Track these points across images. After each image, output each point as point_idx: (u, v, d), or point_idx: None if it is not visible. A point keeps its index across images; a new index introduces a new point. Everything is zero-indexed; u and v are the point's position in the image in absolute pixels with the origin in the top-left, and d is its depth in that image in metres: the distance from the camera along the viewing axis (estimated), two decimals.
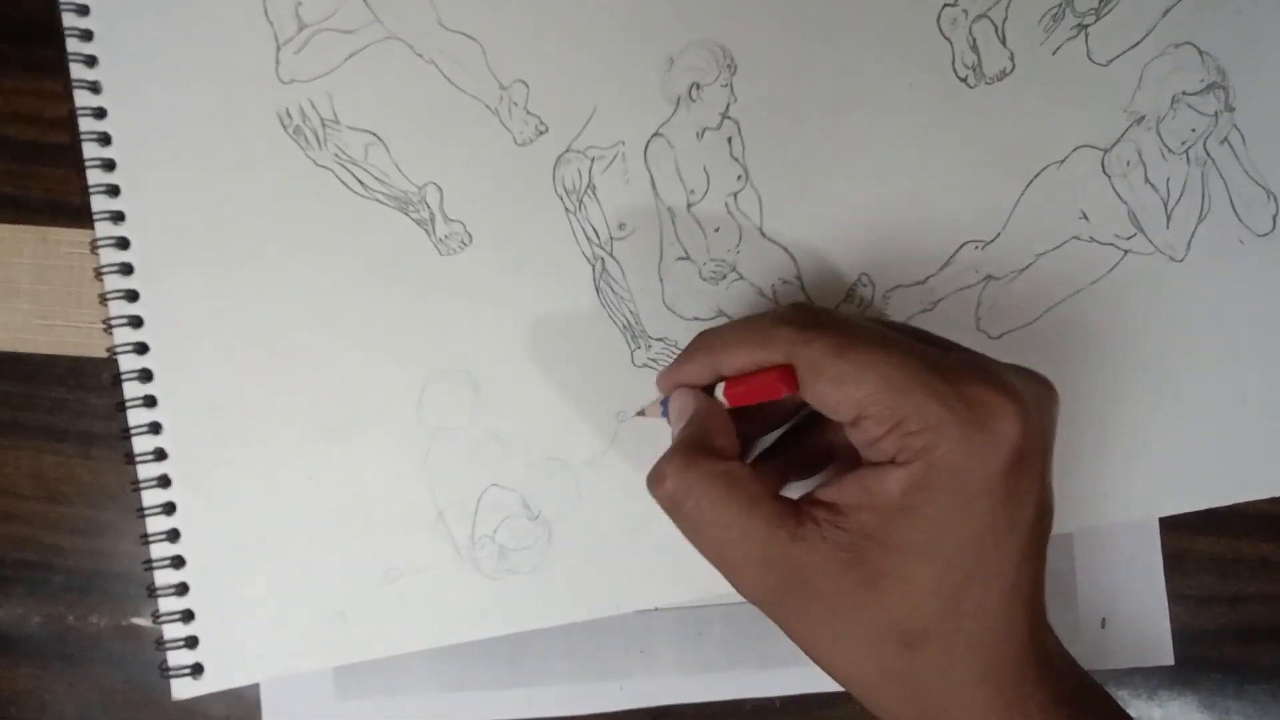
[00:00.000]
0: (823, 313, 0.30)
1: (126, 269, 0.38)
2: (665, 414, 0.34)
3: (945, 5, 0.39)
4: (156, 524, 0.38)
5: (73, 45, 0.38)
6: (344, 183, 0.38)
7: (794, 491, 0.32)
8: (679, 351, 0.35)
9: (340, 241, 0.38)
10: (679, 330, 0.39)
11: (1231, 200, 0.40)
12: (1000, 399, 0.28)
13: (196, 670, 0.38)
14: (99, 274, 0.38)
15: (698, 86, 0.39)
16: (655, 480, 0.30)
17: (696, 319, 0.39)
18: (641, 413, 0.37)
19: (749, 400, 0.31)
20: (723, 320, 0.39)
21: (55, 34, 0.38)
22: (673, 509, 0.30)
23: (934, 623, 0.28)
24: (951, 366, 0.29)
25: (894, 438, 0.28)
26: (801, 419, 0.35)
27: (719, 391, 0.31)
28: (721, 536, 0.29)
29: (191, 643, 0.38)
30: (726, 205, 0.39)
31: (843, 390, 0.28)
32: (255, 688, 0.39)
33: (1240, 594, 0.40)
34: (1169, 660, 0.40)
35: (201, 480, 0.38)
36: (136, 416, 0.38)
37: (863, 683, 0.30)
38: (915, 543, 0.28)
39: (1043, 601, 0.30)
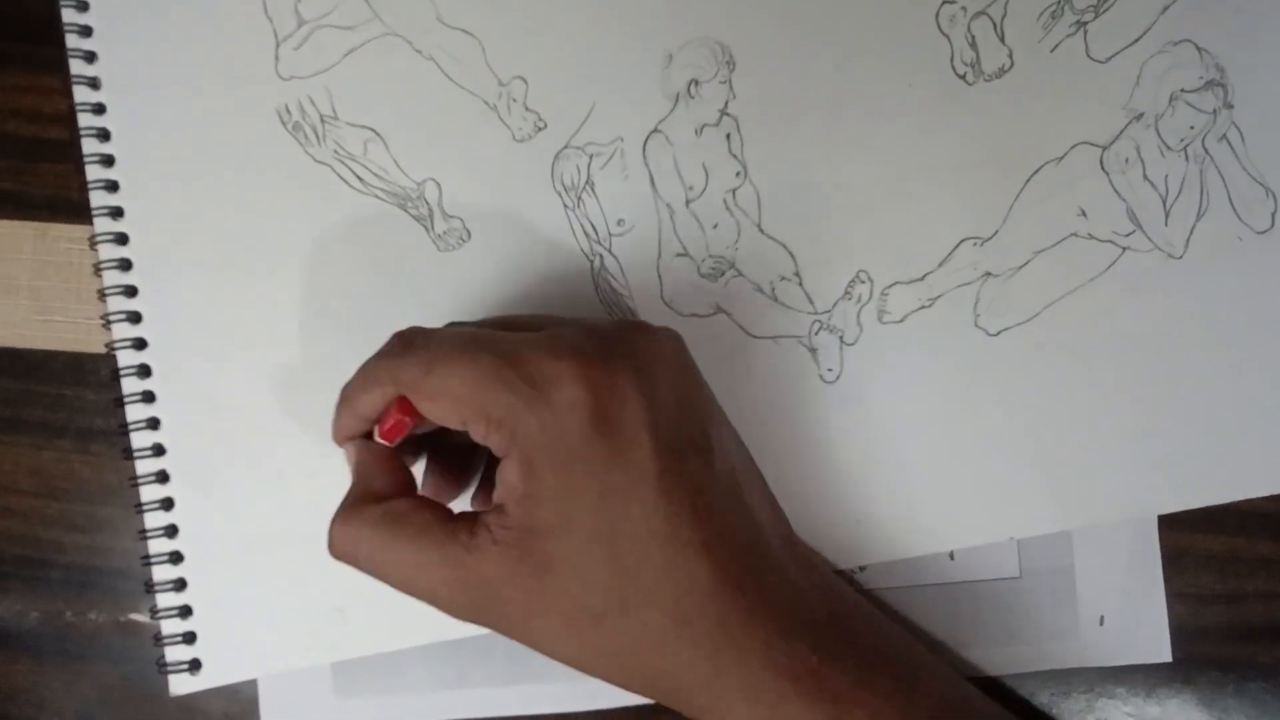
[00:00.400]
0: (417, 334, 0.31)
1: (125, 265, 0.38)
2: None
3: (944, 2, 0.39)
4: (155, 520, 0.38)
5: (72, 41, 0.38)
6: (343, 179, 0.39)
7: None
8: None
9: (339, 237, 0.38)
10: (678, 327, 0.39)
11: (1230, 197, 0.40)
12: (559, 367, 0.29)
13: (194, 666, 0.38)
14: (98, 269, 0.38)
15: (696, 83, 0.39)
16: (329, 545, 0.31)
17: (695, 315, 0.39)
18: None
19: (396, 435, 0.31)
20: (721, 318, 0.39)
21: (55, 30, 0.38)
22: (353, 564, 0.31)
23: (608, 591, 0.29)
24: (520, 351, 0.29)
25: (494, 433, 0.29)
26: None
27: (376, 435, 0.32)
28: (403, 575, 0.30)
29: (189, 638, 0.38)
30: (725, 202, 0.39)
31: (438, 403, 0.30)
32: (253, 684, 0.39)
33: (1239, 592, 0.40)
34: (1167, 658, 0.40)
35: (200, 476, 0.38)
36: (135, 412, 0.38)
37: (580, 661, 0.31)
38: (551, 523, 0.29)
39: (738, 536, 0.31)
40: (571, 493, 0.29)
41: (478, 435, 0.30)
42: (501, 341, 0.30)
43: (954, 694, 0.34)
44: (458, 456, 0.36)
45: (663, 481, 0.30)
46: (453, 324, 0.34)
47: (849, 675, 0.31)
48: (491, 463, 0.35)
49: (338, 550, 0.31)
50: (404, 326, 0.36)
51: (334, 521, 0.31)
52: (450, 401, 0.29)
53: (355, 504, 0.31)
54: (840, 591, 0.33)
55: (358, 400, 0.32)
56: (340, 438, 0.33)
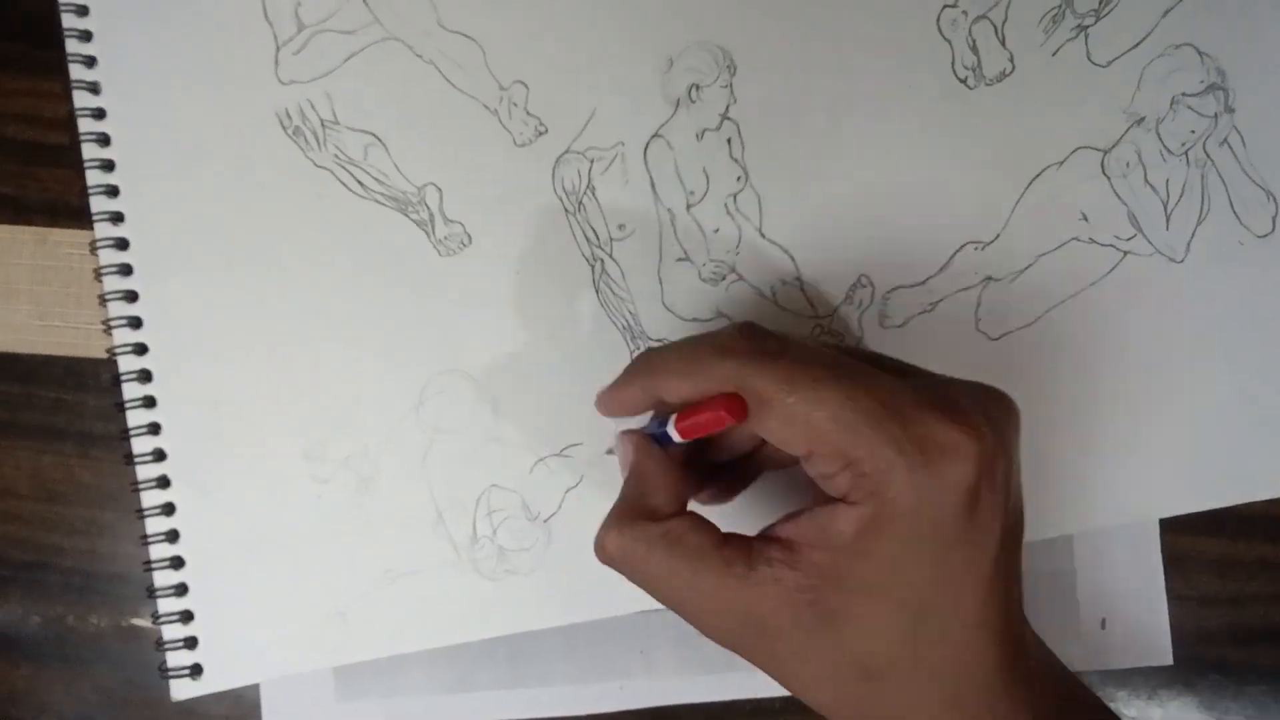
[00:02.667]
0: (770, 339, 0.29)
1: (126, 270, 0.38)
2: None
3: (945, 6, 0.39)
4: (156, 525, 0.38)
5: (72, 46, 0.38)
6: (343, 184, 0.38)
7: (753, 517, 0.31)
8: None
9: (339, 242, 0.38)
10: (679, 331, 0.39)
11: (1231, 201, 0.40)
12: (953, 437, 0.27)
13: (195, 671, 0.38)
14: (98, 275, 0.38)
15: (697, 88, 0.39)
16: (598, 548, 0.30)
17: (696, 320, 0.39)
18: (610, 451, 0.37)
19: (700, 434, 0.30)
20: (722, 322, 0.39)
21: (55, 34, 0.38)
22: (620, 571, 0.30)
23: (892, 658, 0.28)
24: (904, 402, 0.28)
25: (845, 476, 0.28)
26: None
27: (671, 425, 0.30)
28: (672, 595, 0.30)
29: (191, 643, 0.38)
30: (726, 206, 0.39)
31: (792, 428, 0.28)
32: (255, 688, 0.39)
33: (1240, 595, 0.41)
34: (1168, 661, 0.40)
35: (201, 481, 0.38)
36: (136, 417, 0.38)
37: (830, 709, 0.30)
38: (869, 583, 0.28)
39: (1017, 624, 0.30)
40: (911, 563, 0.28)
41: (818, 469, 0.28)
42: (879, 383, 0.28)
43: None
44: (731, 462, 0.34)
45: (996, 567, 0.28)
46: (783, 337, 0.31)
47: None
48: (766, 467, 0.33)
49: (607, 556, 0.30)
50: (410, 334, 0.36)
51: (608, 528, 0.30)
52: (809, 431, 0.28)
53: (631, 515, 0.30)
54: (1058, 665, 0.32)
55: (670, 383, 0.30)
56: (617, 409, 0.32)
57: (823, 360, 0.29)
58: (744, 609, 0.29)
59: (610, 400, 0.32)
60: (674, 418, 0.30)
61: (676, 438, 0.30)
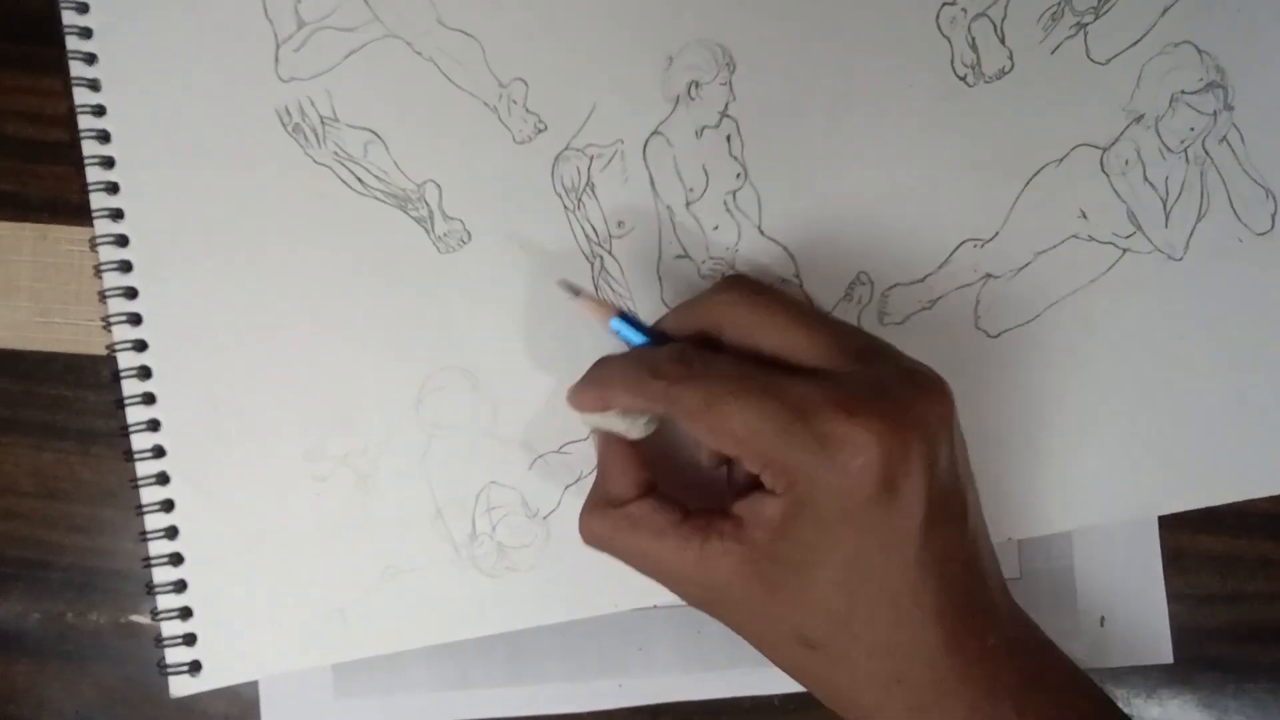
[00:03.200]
0: (696, 360, 0.32)
1: (126, 266, 0.38)
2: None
3: (944, 4, 0.39)
4: (155, 521, 0.38)
5: (72, 43, 0.38)
6: (343, 180, 0.38)
7: None
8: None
9: (339, 239, 0.38)
10: None
11: (1230, 199, 0.40)
12: (854, 431, 0.29)
13: (195, 668, 0.38)
14: (98, 271, 0.38)
15: (697, 85, 0.39)
16: (580, 533, 0.34)
17: None
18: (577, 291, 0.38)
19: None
20: None
21: (55, 31, 0.38)
22: (602, 551, 0.34)
23: (829, 632, 0.31)
24: (811, 403, 0.30)
25: (767, 474, 0.31)
26: None
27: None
28: (646, 568, 0.33)
29: (190, 640, 0.38)
30: (725, 204, 0.39)
31: (716, 437, 0.31)
32: (254, 685, 0.39)
33: (1239, 592, 0.40)
34: (1168, 659, 0.40)
35: (200, 478, 0.38)
36: (135, 414, 0.38)
37: (787, 670, 0.33)
38: (796, 562, 0.30)
39: (970, 600, 0.31)
40: (828, 548, 0.30)
41: (749, 467, 0.31)
42: (788, 389, 0.30)
43: None
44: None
45: (921, 553, 0.30)
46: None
47: None
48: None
49: (586, 540, 0.34)
50: (410, 330, 0.37)
51: (581, 515, 0.34)
52: (729, 439, 0.31)
53: (599, 503, 0.34)
54: (1041, 643, 0.33)
55: (614, 393, 0.34)
56: (578, 408, 0.35)
57: (737, 373, 0.31)
58: (702, 578, 0.32)
59: (574, 399, 0.35)
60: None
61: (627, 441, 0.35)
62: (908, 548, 0.30)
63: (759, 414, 0.30)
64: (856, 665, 0.31)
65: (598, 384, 0.34)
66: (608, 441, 0.35)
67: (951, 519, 0.31)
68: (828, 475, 0.29)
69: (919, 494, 0.30)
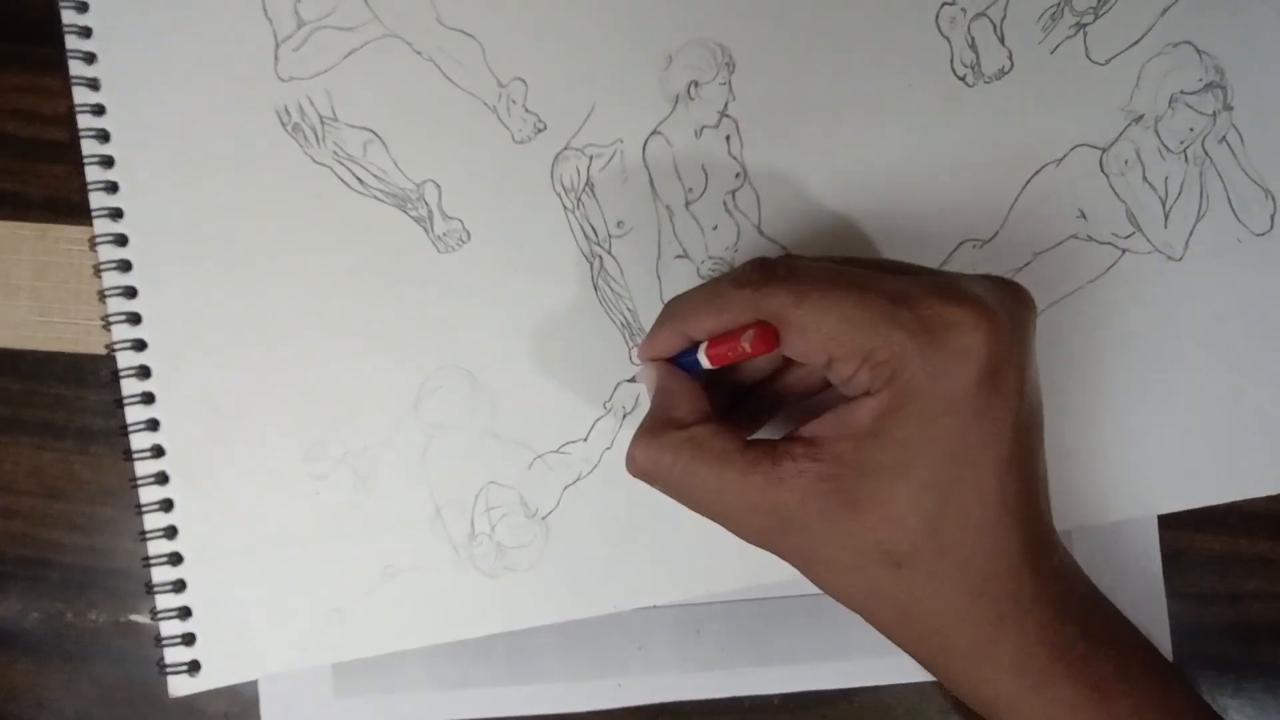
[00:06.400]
0: (779, 264, 0.31)
1: (125, 266, 0.38)
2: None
3: (944, 4, 0.39)
4: (154, 520, 0.38)
5: (72, 42, 0.38)
6: (342, 180, 0.38)
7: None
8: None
9: (338, 239, 0.38)
10: None
11: (1229, 199, 0.40)
12: (960, 314, 0.28)
13: (194, 667, 0.38)
14: (98, 270, 0.38)
15: (696, 85, 0.39)
16: (628, 461, 0.32)
17: None
18: (633, 380, 0.38)
19: (727, 361, 0.31)
20: None
21: (54, 31, 0.38)
22: (650, 482, 0.32)
23: (918, 542, 0.29)
24: (911, 291, 0.29)
25: (865, 371, 0.29)
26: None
27: (701, 352, 0.32)
28: (701, 496, 0.31)
29: (189, 639, 0.38)
30: (725, 203, 0.39)
31: (808, 338, 0.29)
32: (253, 684, 0.39)
33: (1239, 592, 0.41)
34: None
35: (199, 477, 0.38)
36: (135, 413, 0.38)
37: (858, 602, 0.31)
38: (889, 465, 0.29)
39: (1041, 517, 0.31)
40: (927, 442, 0.29)
41: (841, 374, 0.30)
42: (884, 282, 0.29)
43: (1200, 705, 0.33)
44: (754, 394, 0.35)
45: (1015, 449, 0.29)
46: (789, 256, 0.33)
47: (1111, 665, 0.30)
48: (798, 393, 0.35)
49: (637, 469, 0.32)
50: (409, 330, 0.37)
51: (635, 442, 0.32)
52: (823, 337, 0.29)
53: (657, 427, 0.32)
54: (1091, 582, 0.33)
55: (697, 321, 0.32)
56: (653, 354, 0.33)
57: (828, 271, 0.30)
58: (770, 504, 0.30)
59: (649, 347, 0.34)
60: (704, 345, 0.32)
61: (706, 364, 0.32)
62: (1002, 443, 0.29)
63: (858, 304, 0.29)
64: (943, 579, 0.29)
65: (675, 318, 0.33)
66: (668, 368, 0.33)
67: (1036, 423, 0.31)
68: (935, 358, 0.28)
69: (1017, 386, 0.29)
